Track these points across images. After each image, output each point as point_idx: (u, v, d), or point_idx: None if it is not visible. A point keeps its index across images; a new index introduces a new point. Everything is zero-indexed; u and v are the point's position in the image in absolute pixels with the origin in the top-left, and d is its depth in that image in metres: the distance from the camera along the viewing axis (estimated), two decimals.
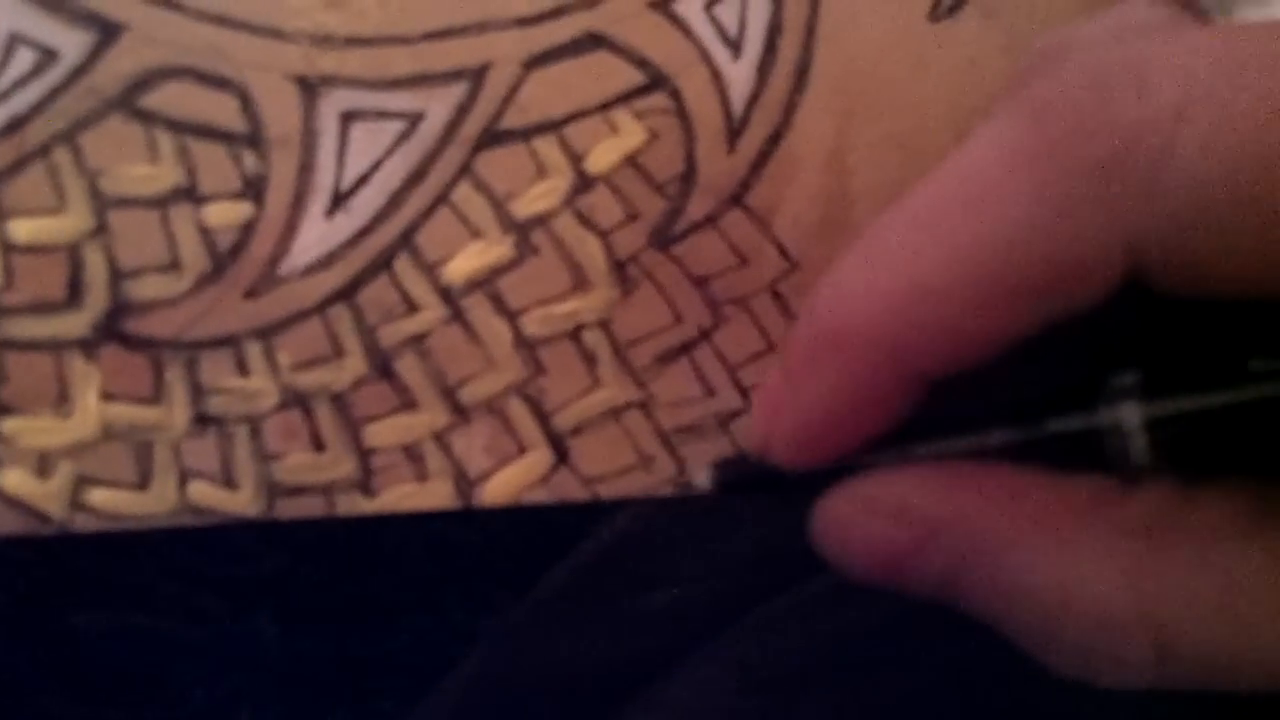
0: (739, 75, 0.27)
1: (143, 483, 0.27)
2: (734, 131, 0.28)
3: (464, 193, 0.27)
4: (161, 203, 0.26)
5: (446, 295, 0.27)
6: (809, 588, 0.36)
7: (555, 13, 0.27)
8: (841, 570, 0.23)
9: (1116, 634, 0.20)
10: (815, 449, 0.23)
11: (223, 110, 0.26)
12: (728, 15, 0.27)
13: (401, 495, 0.28)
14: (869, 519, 0.22)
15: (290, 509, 0.27)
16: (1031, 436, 0.21)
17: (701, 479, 0.26)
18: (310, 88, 0.26)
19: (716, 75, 0.27)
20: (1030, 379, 0.22)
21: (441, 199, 0.27)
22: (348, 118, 0.26)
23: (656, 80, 0.27)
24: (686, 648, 0.37)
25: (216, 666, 0.39)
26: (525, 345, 0.28)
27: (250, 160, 0.26)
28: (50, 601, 0.38)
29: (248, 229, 0.26)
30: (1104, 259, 0.19)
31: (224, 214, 0.26)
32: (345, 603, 0.40)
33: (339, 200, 0.27)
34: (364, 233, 0.27)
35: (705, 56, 0.27)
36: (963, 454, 0.22)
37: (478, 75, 0.27)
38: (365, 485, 0.27)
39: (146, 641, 0.39)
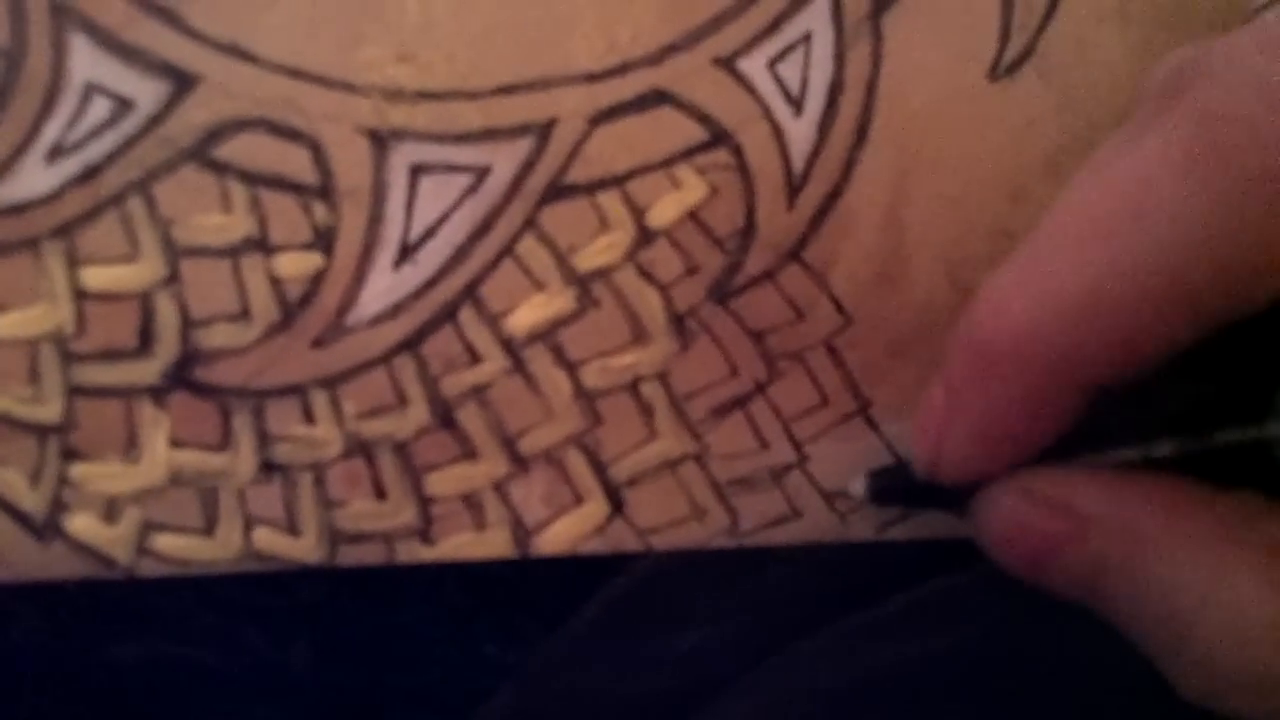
0: (800, 132, 0.28)
1: (208, 529, 0.27)
2: (794, 188, 0.28)
3: (528, 245, 0.27)
4: (233, 252, 0.26)
5: (508, 346, 0.28)
6: (836, 628, 0.36)
7: (621, 69, 0.27)
8: (997, 560, 0.23)
9: (1251, 651, 0.20)
10: (982, 465, 0.23)
11: (295, 162, 0.26)
12: (790, 72, 0.28)
13: (460, 544, 0.28)
14: (1028, 508, 0.22)
15: (351, 556, 0.27)
16: (1198, 448, 0.22)
17: (857, 488, 0.26)
18: (381, 140, 0.26)
19: (778, 132, 0.28)
20: (1198, 391, 0.22)
21: (506, 252, 0.27)
22: (417, 170, 0.27)
23: (719, 136, 0.28)
24: (715, 686, 0.37)
25: (253, 697, 0.39)
26: (584, 396, 0.28)
27: (321, 211, 0.27)
28: (88, 632, 0.38)
29: (317, 279, 0.27)
30: (1275, 267, 0.19)
31: (294, 264, 0.27)
32: (379, 634, 0.41)
33: (406, 252, 0.27)
34: (430, 284, 0.27)
35: (767, 113, 0.28)
36: (1128, 464, 0.22)
37: (544, 130, 0.27)
38: (425, 533, 0.28)
39: (183, 672, 0.39)
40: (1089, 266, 0.20)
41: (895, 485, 0.27)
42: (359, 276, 0.27)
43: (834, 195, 0.28)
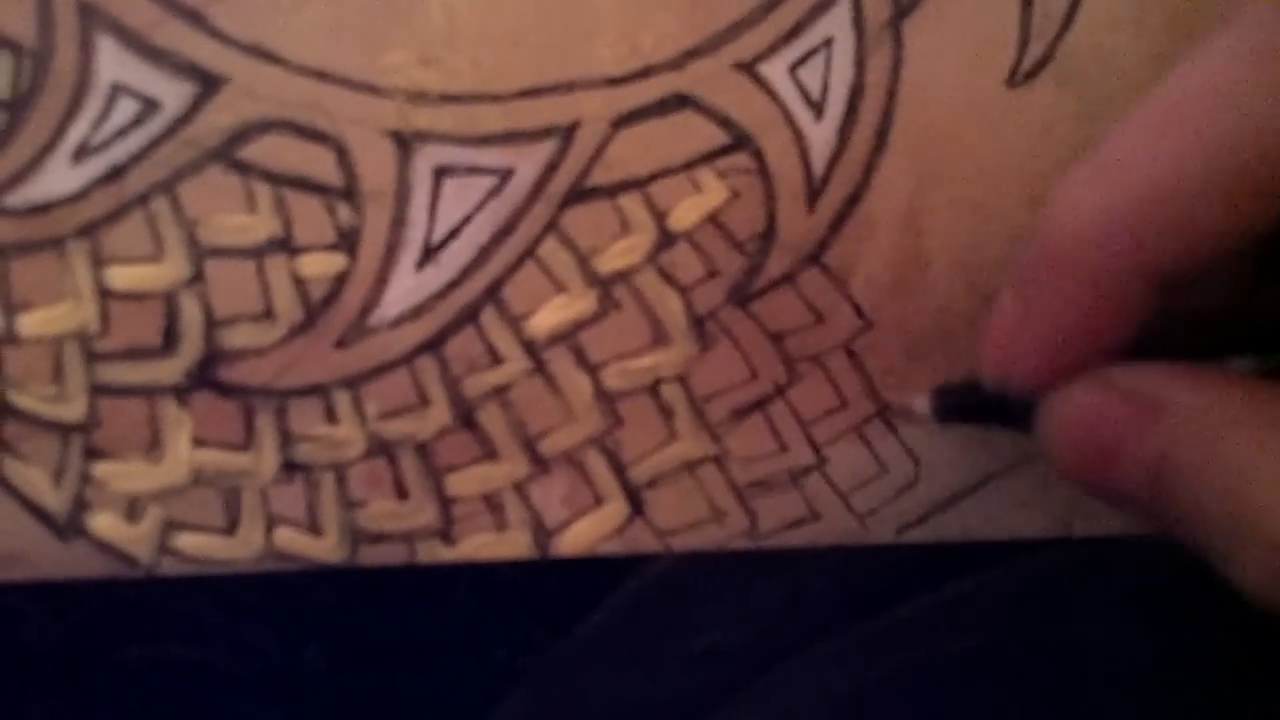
0: (820, 136, 0.28)
1: (230, 528, 0.27)
2: (814, 191, 0.28)
3: (550, 248, 0.27)
4: (257, 253, 0.27)
5: (530, 348, 0.28)
6: (851, 633, 0.36)
7: (643, 73, 0.27)
8: (1063, 462, 0.23)
9: None
10: (1055, 369, 0.23)
11: (319, 163, 0.26)
12: (811, 77, 0.28)
13: (480, 544, 0.28)
14: (1102, 396, 0.22)
15: (372, 556, 0.27)
16: (1270, 366, 0.22)
17: (920, 405, 0.26)
18: (405, 143, 0.27)
19: (799, 136, 0.28)
20: (1275, 309, 0.22)
21: (528, 253, 0.27)
22: (440, 173, 0.27)
23: (740, 140, 0.28)
24: (727, 691, 0.37)
25: (263, 699, 0.39)
26: (605, 398, 0.28)
27: (345, 213, 0.27)
28: (100, 633, 0.38)
29: (340, 280, 0.27)
30: None
31: (317, 265, 0.27)
32: (390, 638, 0.41)
33: (429, 253, 0.27)
34: (452, 286, 0.27)
35: (788, 117, 0.28)
36: None
37: (567, 133, 0.27)
38: (446, 533, 0.28)
39: (194, 673, 0.39)
40: (1162, 154, 0.20)
41: (961, 402, 0.27)
42: (382, 277, 0.27)
43: (854, 200, 0.28)
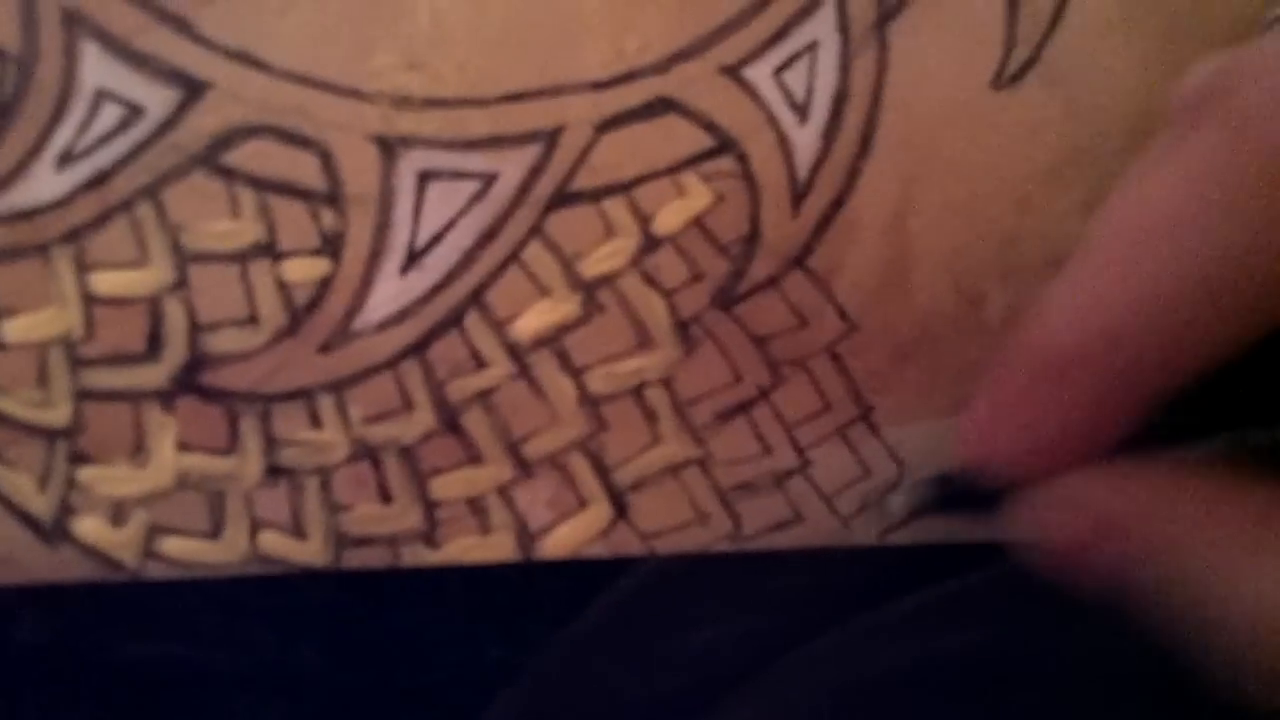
0: (805, 140, 0.28)
1: (215, 532, 0.27)
2: (798, 195, 0.28)
3: (534, 252, 0.28)
4: (241, 258, 0.27)
5: (514, 352, 0.28)
6: (844, 630, 0.37)
7: (628, 77, 0.27)
8: (1029, 559, 0.24)
9: (1271, 649, 0.20)
10: (1034, 465, 0.23)
11: (303, 168, 0.27)
12: (796, 81, 0.28)
13: (465, 547, 0.28)
14: (1060, 510, 0.23)
15: (357, 559, 0.28)
16: (1236, 447, 0.22)
17: (896, 505, 0.26)
18: (389, 147, 0.27)
19: (783, 140, 0.28)
20: (1235, 391, 0.22)
21: (512, 258, 0.27)
22: (424, 177, 0.27)
23: (724, 144, 0.28)
24: (721, 688, 0.37)
25: (259, 698, 0.40)
26: (589, 402, 0.28)
27: (329, 218, 0.27)
28: (95, 633, 0.38)
29: (324, 285, 0.27)
30: None
31: (302, 270, 0.27)
32: (385, 636, 0.41)
33: (413, 258, 0.27)
34: (436, 290, 0.27)
35: (772, 121, 0.28)
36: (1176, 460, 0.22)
37: (551, 137, 0.27)
38: (430, 537, 0.28)
39: (190, 672, 0.39)
40: (1140, 277, 0.21)
41: (931, 497, 0.27)
42: (366, 282, 0.27)
43: (838, 203, 0.28)
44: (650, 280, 0.28)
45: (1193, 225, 0.20)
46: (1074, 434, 0.22)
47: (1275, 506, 0.22)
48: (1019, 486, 0.24)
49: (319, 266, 0.27)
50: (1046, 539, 0.24)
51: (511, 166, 0.27)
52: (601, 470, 0.28)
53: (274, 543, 0.27)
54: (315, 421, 0.27)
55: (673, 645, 0.39)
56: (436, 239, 0.27)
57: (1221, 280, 0.20)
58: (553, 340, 0.28)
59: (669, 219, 0.28)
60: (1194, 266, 0.20)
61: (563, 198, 0.27)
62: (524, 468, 0.28)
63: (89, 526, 0.27)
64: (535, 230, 0.27)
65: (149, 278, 0.26)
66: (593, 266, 0.28)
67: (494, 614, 0.42)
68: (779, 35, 0.28)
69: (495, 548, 0.28)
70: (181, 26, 0.26)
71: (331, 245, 0.27)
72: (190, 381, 0.27)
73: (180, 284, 0.27)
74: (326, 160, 0.27)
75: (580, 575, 0.37)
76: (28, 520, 0.27)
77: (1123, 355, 0.21)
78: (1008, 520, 0.24)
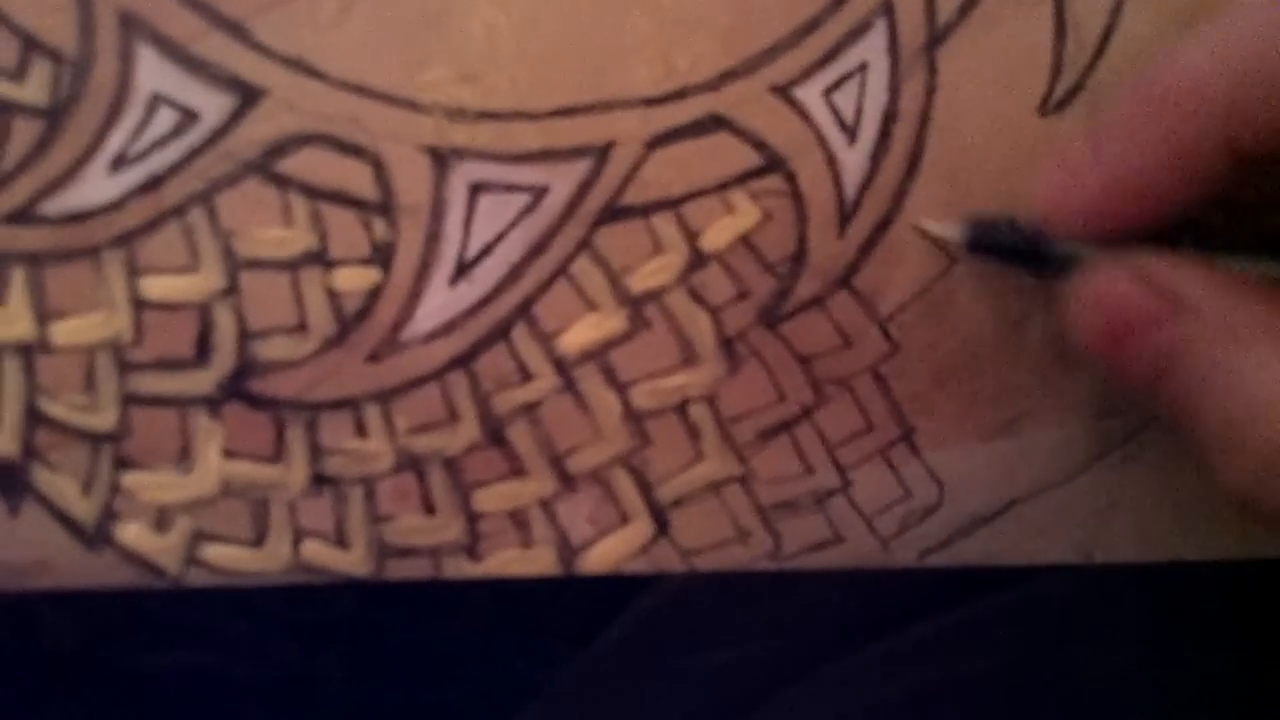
0: (853, 161, 0.28)
1: (258, 540, 0.27)
2: (845, 215, 0.28)
3: (582, 266, 0.28)
4: (292, 266, 0.27)
5: (560, 366, 0.28)
6: (866, 652, 0.36)
7: (679, 94, 0.27)
8: (1077, 330, 0.24)
9: None
10: (1109, 220, 0.23)
11: (356, 178, 0.27)
12: (845, 101, 0.28)
13: (506, 560, 0.28)
14: (1130, 282, 0.23)
15: (399, 570, 0.27)
16: None
17: (952, 232, 0.26)
18: (441, 159, 0.27)
19: (831, 160, 0.28)
20: None
21: (560, 271, 0.27)
22: (476, 189, 0.27)
23: (773, 163, 0.28)
24: (742, 707, 0.37)
25: (282, 709, 0.39)
26: (633, 417, 0.28)
27: (380, 227, 0.27)
28: (120, 641, 0.38)
29: (374, 294, 0.27)
30: None
31: (352, 279, 0.27)
32: (408, 649, 0.41)
33: (463, 269, 0.27)
34: (485, 302, 0.27)
35: (822, 141, 0.28)
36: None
37: (602, 153, 0.27)
38: (471, 549, 0.28)
39: (214, 682, 0.39)
40: (1268, 27, 0.21)
41: (995, 237, 0.27)
42: (415, 292, 0.27)
43: (884, 224, 0.28)
44: (697, 297, 0.28)
45: None
46: (1162, 176, 0.22)
47: None
48: (1086, 236, 0.23)
49: (369, 276, 0.27)
50: (1108, 310, 0.23)
51: (562, 180, 0.27)
52: (644, 486, 0.28)
53: (317, 552, 0.27)
54: (361, 431, 0.27)
55: (693, 665, 0.39)
56: (486, 251, 0.27)
57: None
58: (598, 355, 0.28)
59: (717, 236, 0.28)
60: None
61: (612, 213, 0.27)
62: (567, 482, 0.28)
63: (132, 532, 0.27)
64: (584, 244, 0.27)
65: (200, 283, 0.26)
66: (640, 282, 0.28)
67: (516, 629, 0.42)
68: (829, 56, 0.28)
69: (536, 561, 0.28)
70: (238, 33, 0.26)
71: (382, 255, 0.27)
72: (237, 388, 0.27)
73: (231, 290, 0.27)
74: (379, 170, 0.27)
75: (604, 591, 0.37)
76: (70, 524, 0.27)
77: (1232, 96, 0.21)
78: (1069, 283, 0.24)
